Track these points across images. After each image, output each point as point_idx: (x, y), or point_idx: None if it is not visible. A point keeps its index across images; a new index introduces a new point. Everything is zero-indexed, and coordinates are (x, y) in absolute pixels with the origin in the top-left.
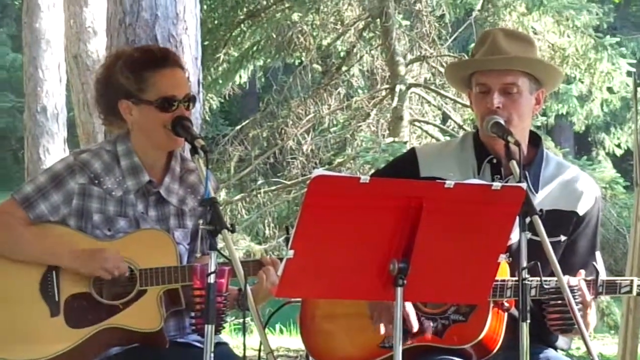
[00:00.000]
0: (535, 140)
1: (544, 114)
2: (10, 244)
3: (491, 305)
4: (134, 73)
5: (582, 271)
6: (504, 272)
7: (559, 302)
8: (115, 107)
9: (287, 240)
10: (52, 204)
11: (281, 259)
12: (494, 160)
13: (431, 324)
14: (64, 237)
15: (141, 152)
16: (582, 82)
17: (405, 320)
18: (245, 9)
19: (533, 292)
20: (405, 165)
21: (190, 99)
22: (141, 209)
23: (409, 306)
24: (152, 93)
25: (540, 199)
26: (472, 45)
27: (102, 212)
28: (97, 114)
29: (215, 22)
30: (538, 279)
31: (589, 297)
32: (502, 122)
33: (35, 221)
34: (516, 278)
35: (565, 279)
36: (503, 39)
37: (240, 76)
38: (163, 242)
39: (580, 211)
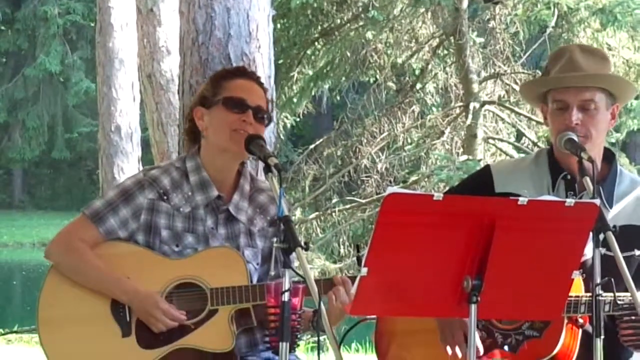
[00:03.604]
0: (608, 156)
1: (617, 130)
2: (75, 273)
3: (565, 321)
4: (212, 82)
5: None
6: (578, 288)
7: (633, 317)
8: (192, 120)
9: (358, 259)
10: (121, 218)
11: (352, 278)
12: (568, 177)
13: (502, 340)
14: (131, 258)
15: (210, 167)
16: None
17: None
18: (319, 28)
19: (607, 307)
20: (480, 182)
21: (264, 112)
22: (211, 224)
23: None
24: (223, 95)
25: (614, 215)
26: (546, 62)
27: (169, 228)
28: (171, 134)
29: (289, 40)
30: (612, 294)
31: None
32: (576, 138)
33: (105, 236)
34: (590, 294)
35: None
36: (580, 55)
37: (314, 95)
38: (233, 260)
39: None
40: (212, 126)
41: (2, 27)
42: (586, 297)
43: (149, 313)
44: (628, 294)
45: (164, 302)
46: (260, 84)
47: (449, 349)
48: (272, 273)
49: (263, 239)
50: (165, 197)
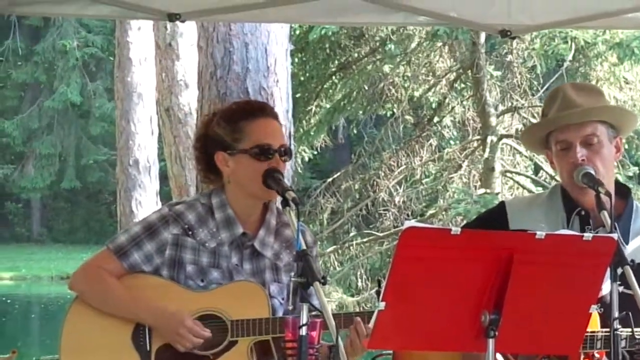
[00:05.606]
0: (623, 192)
1: (635, 164)
2: (101, 299)
3: (582, 357)
4: (230, 123)
5: None
6: (594, 324)
7: None
8: (212, 161)
9: (378, 293)
10: (146, 253)
11: (372, 313)
12: (583, 212)
13: None
14: (155, 289)
15: (235, 205)
16: None
17: None
18: (336, 62)
19: (623, 343)
20: (494, 219)
21: (287, 151)
22: (235, 262)
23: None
24: (247, 142)
25: (631, 252)
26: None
27: (195, 263)
28: (189, 167)
29: (307, 74)
30: (629, 329)
31: None
32: (593, 172)
33: (129, 270)
34: (606, 329)
35: None
36: (573, 93)
37: (331, 128)
38: (255, 294)
39: None
40: (240, 174)
41: (20, 62)
42: (602, 332)
43: (174, 331)
44: None
45: (190, 320)
46: (275, 116)
47: None
48: (290, 307)
49: (289, 274)
50: (190, 232)
